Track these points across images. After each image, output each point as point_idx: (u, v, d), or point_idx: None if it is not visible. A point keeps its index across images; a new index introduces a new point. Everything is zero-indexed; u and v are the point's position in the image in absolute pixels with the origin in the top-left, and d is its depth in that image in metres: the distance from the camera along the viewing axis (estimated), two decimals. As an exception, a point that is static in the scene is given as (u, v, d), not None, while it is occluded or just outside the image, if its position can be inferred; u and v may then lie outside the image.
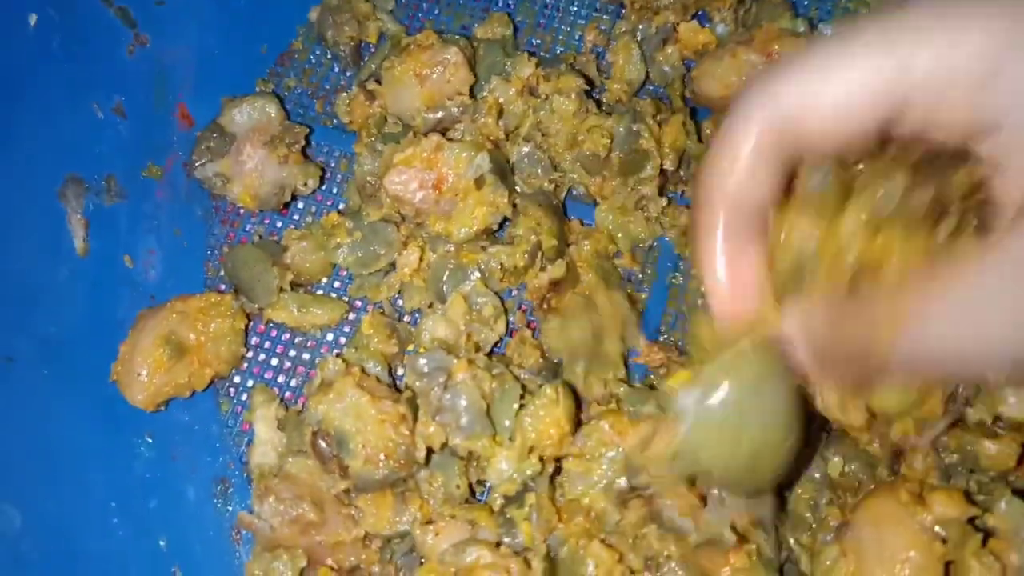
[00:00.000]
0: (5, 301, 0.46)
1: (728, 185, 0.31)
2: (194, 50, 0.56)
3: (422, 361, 0.45)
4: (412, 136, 0.51)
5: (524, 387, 0.47)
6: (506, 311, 0.51)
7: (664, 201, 0.54)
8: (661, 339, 0.54)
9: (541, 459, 0.44)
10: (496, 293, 0.51)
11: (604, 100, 0.58)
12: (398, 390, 0.48)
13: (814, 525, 0.45)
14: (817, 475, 0.46)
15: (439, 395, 0.44)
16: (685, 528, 0.42)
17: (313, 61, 0.59)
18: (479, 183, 0.50)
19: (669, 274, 0.56)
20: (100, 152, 0.52)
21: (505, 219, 0.52)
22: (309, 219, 0.56)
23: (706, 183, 0.31)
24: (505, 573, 0.42)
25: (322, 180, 0.55)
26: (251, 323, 0.52)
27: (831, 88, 0.28)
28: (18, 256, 0.47)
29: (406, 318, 0.53)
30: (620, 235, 0.55)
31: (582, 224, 0.55)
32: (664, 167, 0.54)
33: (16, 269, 0.47)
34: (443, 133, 0.52)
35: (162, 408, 0.49)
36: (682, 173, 0.55)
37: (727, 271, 0.31)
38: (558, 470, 0.46)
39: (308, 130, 0.54)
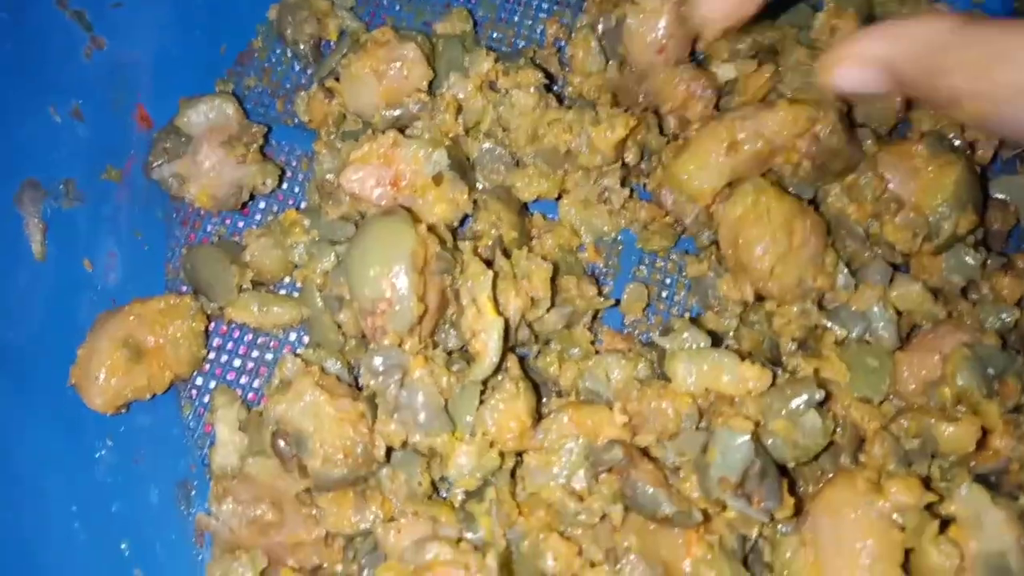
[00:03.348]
0: (-40, 307, 0.46)
1: None
2: (152, 51, 0.56)
3: (377, 360, 0.45)
4: (370, 134, 0.51)
5: (485, 382, 0.47)
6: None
7: (627, 192, 0.54)
8: (626, 331, 0.54)
9: (501, 454, 0.44)
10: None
11: (566, 94, 0.58)
12: (359, 388, 0.48)
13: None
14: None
15: (395, 393, 0.44)
16: (656, 500, 0.41)
17: (273, 60, 0.59)
18: (437, 180, 0.50)
19: (633, 267, 0.55)
20: (58, 156, 0.52)
21: (466, 216, 0.52)
22: (270, 219, 0.55)
23: None
24: (463, 569, 0.42)
25: (282, 179, 0.55)
26: (212, 324, 0.52)
27: None
28: (-27, 262, 0.47)
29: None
30: (583, 228, 0.55)
31: (545, 219, 0.55)
32: (626, 160, 0.54)
33: (-29, 275, 0.47)
34: (402, 130, 0.52)
35: (123, 411, 0.49)
36: (643, 166, 0.55)
37: None
38: (519, 464, 0.46)
39: (266, 129, 0.54)
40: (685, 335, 0.46)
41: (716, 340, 0.48)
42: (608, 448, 0.43)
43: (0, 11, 0.50)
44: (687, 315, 0.54)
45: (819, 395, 0.43)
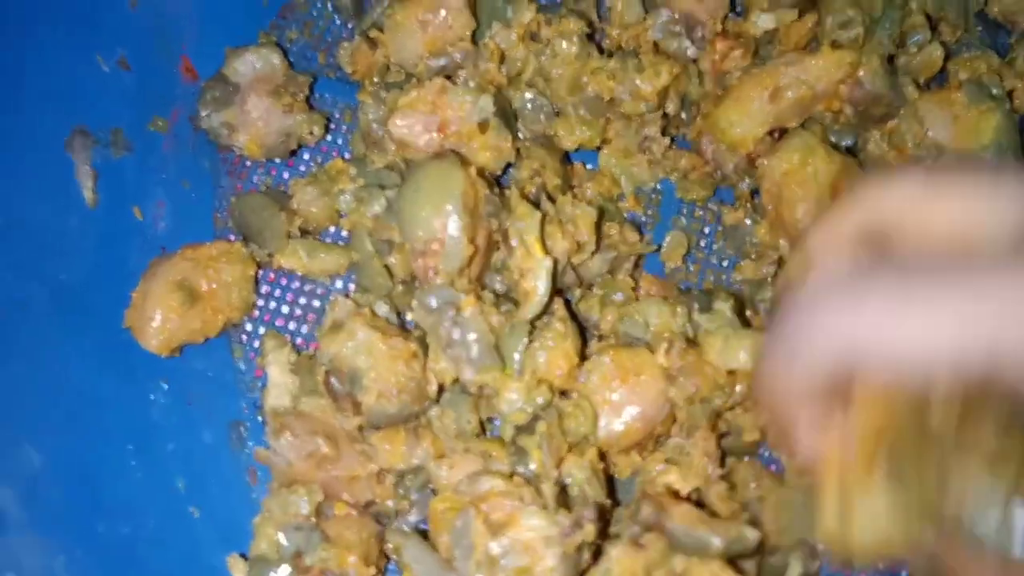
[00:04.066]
0: (16, 248, 0.46)
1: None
2: (196, 2, 0.56)
3: (431, 298, 0.46)
4: (415, 81, 0.52)
5: (533, 323, 0.47)
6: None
7: (667, 141, 0.54)
8: (667, 279, 0.54)
9: (551, 388, 0.45)
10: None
11: (605, 46, 0.58)
12: (408, 331, 0.49)
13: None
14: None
15: (448, 329, 0.45)
16: (703, 540, 0.40)
17: (315, 13, 0.59)
18: (483, 127, 0.50)
19: (673, 216, 0.56)
20: (106, 105, 0.53)
21: (508, 165, 0.53)
22: (315, 169, 0.56)
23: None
24: (519, 500, 0.42)
25: (327, 131, 0.56)
26: (261, 271, 0.53)
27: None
28: (27, 204, 0.48)
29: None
30: (624, 178, 0.55)
31: (585, 168, 0.56)
32: (667, 110, 0.54)
33: (26, 217, 0.47)
34: (448, 79, 0.53)
35: (176, 354, 0.49)
36: (683, 116, 0.56)
37: None
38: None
39: (312, 79, 0.55)
40: (725, 313, 0.47)
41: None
42: (639, 509, 0.43)
43: (49, -40, 0.50)
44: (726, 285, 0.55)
45: None
